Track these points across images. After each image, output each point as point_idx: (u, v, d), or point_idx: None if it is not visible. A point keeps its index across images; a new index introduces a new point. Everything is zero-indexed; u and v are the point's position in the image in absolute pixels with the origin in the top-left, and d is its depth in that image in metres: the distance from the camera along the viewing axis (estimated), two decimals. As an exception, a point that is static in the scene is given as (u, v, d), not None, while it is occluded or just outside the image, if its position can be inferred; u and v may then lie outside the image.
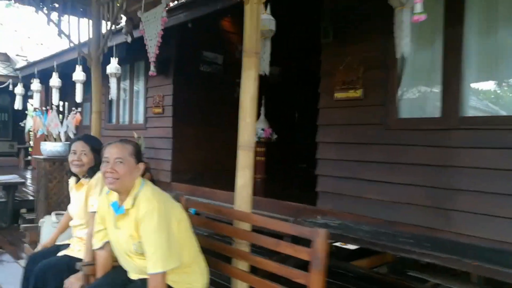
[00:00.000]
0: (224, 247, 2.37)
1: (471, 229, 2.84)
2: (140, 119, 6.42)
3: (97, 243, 2.15)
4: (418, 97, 3.43)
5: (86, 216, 2.49)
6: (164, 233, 1.85)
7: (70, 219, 2.74)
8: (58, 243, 2.72)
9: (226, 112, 6.30)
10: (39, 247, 2.76)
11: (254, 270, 2.26)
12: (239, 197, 2.38)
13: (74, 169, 2.58)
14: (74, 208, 2.65)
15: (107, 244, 2.13)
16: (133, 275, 2.07)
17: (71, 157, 2.57)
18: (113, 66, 5.03)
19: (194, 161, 5.95)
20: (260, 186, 5.46)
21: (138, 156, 2.04)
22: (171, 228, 1.90)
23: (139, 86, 6.62)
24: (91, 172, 2.55)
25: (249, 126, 2.37)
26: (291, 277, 1.91)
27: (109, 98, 5.06)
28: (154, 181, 2.20)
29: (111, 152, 1.97)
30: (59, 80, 6.56)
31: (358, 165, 3.55)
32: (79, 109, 3.71)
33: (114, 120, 7.21)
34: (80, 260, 2.34)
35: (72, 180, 2.73)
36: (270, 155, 6.05)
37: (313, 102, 4.08)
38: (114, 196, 2.03)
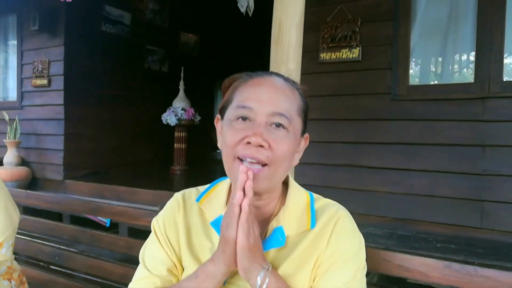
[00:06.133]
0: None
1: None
2: (12, 95, 4.64)
3: None
4: (439, 57, 2.71)
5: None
6: None
7: None
8: None
9: (136, 87, 4.95)
10: None
11: None
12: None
13: None
14: None
15: None
16: None
17: None
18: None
19: (95, 151, 4.45)
20: (180, 181, 4.31)
21: (305, 118, 0.83)
22: None
23: (9, 49, 4.80)
24: None
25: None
26: None
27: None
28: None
29: (262, 98, 0.75)
30: None
31: (355, 149, 2.70)
32: None
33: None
34: None
35: None
36: (192, 141, 4.92)
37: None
38: (215, 211, 0.83)
